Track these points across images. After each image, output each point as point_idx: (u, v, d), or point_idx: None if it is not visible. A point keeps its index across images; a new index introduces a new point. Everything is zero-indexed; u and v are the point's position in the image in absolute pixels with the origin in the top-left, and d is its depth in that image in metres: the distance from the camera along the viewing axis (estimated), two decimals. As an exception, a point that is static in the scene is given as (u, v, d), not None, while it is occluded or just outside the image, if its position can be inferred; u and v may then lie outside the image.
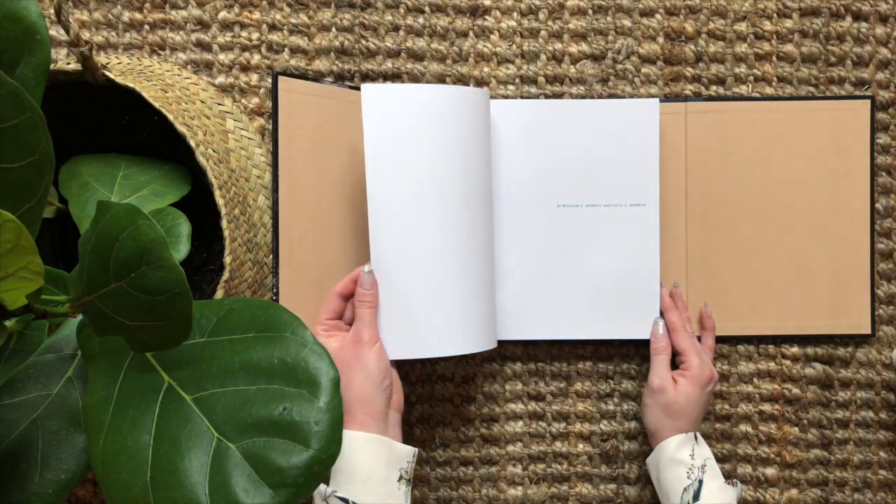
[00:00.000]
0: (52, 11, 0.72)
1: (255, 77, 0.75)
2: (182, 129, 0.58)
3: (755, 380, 0.78)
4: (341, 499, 0.59)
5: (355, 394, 0.63)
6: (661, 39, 0.78)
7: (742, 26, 0.78)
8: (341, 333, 0.66)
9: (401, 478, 0.62)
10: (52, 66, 0.54)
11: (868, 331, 0.77)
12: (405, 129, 0.66)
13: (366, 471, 0.60)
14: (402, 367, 0.77)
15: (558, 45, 0.77)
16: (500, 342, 0.76)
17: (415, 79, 0.77)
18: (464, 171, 0.68)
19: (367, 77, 0.76)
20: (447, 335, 0.68)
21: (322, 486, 0.61)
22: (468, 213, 0.69)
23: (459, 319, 0.68)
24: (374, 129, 0.66)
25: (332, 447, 0.39)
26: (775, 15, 0.78)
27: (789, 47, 0.78)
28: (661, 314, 0.74)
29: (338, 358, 0.64)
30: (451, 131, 0.67)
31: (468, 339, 0.69)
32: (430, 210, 0.67)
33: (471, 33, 0.77)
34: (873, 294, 0.77)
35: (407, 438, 0.76)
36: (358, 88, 0.74)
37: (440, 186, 0.67)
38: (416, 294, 0.67)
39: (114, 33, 0.75)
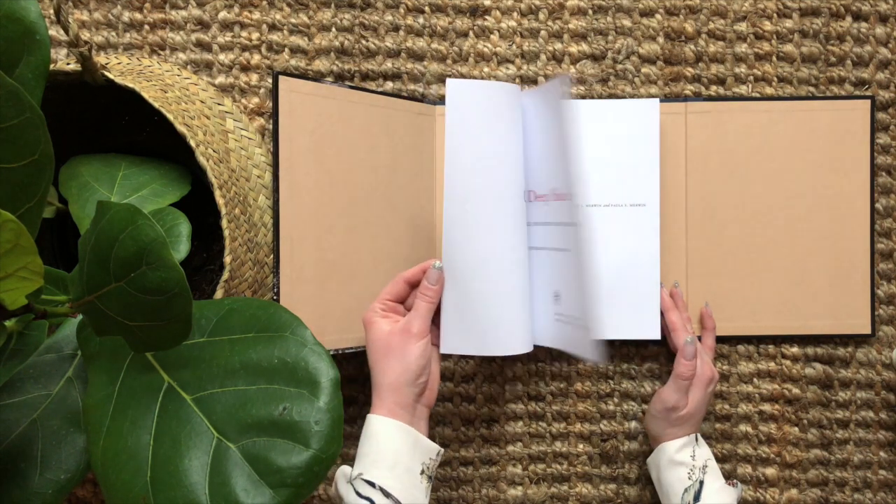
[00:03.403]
0: (51, 11, 0.72)
1: (255, 77, 0.75)
2: (182, 129, 0.58)
3: (755, 380, 0.78)
4: (368, 482, 0.59)
5: (389, 381, 0.63)
6: (661, 39, 0.78)
7: (742, 26, 0.78)
8: (396, 317, 0.66)
9: (423, 472, 0.62)
10: (52, 66, 0.54)
11: (868, 331, 0.77)
12: (482, 126, 0.66)
13: (393, 457, 0.60)
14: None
15: (558, 45, 0.77)
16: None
17: (415, 79, 0.77)
18: (523, 170, 0.69)
19: (367, 77, 0.76)
20: (505, 335, 0.68)
21: (346, 468, 0.61)
22: (523, 214, 0.69)
23: (517, 319, 0.69)
24: (454, 124, 0.66)
25: (332, 447, 0.39)
26: (775, 15, 0.78)
27: (789, 47, 0.78)
28: (662, 314, 0.74)
29: (383, 340, 0.63)
30: (516, 130, 0.68)
31: (521, 340, 0.69)
32: (500, 209, 0.67)
33: (471, 33, 0.77)
34: (873, 294, 0.77)
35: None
36: (358, 88, 0.74)
37: (508, 186, 0.68)
38: (481, 292, 0.67)
39: (114, 33, 0.75)
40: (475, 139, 0.66)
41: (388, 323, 0.65)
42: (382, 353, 0.63)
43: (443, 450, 0.65)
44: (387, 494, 0.58)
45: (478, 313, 0.67)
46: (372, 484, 0.58)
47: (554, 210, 0.75)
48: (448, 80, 0.65)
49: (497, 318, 0.67)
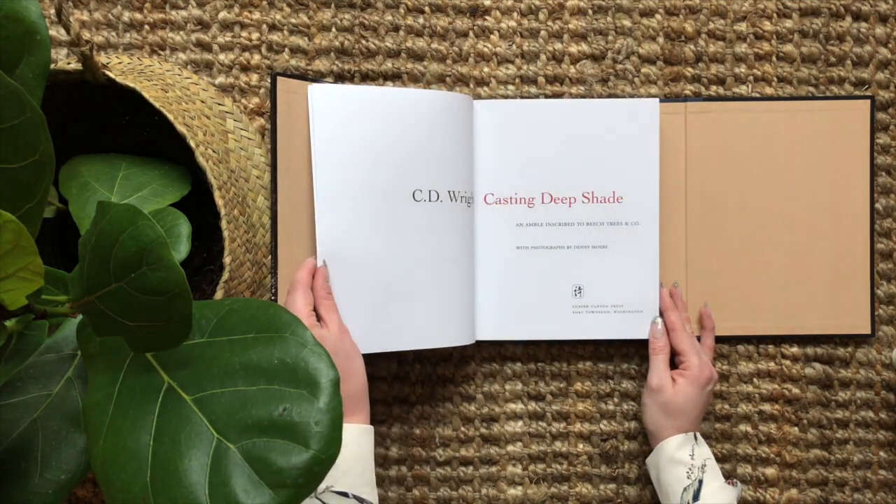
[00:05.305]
0: (52, 11, 0.72)
1: (255, 77, 0.75)
2: (182, 129, 0.58)
3: (755, 380, 0.78)
4: (340, 493, 0.59)
5: (362, 381, 0.63)
6: (661, 39, 0.78)
7: (742, 26, 0.78)
8: (320, 322, 0.66)
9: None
10: (52, 66, 0.54)
11: (868, 331, 0.77)
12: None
13: (363, 462, 0.61)
14: (402, 366, 0.77)
15: (558, 45, 0.77)
16: (501, 342, 0.76)
17: (415, 79, 0.77)
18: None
19: (367, 77, 0.76)
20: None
21: None
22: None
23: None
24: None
25: (332, 447, 0.39)
26: (775, 15, 0.78)
27: (789, 47, 0.78)
28: (661, 314, 0.74)
29: (343, 348, 0.63)
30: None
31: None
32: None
33: (471, 33, 0.77)
34: (873, 294, 0.77)
35: (407, 438, 0.76)
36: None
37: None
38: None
39: (114, 33, 0.75)
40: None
41: (327, 331, 0.64)
42: (347, 357, 0.63)
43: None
44: (361, 500, 0.58)
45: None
46: (345, 494, 0.58)
47: (551, 211, 0.75)
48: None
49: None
